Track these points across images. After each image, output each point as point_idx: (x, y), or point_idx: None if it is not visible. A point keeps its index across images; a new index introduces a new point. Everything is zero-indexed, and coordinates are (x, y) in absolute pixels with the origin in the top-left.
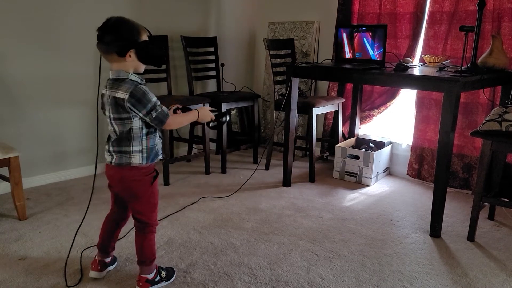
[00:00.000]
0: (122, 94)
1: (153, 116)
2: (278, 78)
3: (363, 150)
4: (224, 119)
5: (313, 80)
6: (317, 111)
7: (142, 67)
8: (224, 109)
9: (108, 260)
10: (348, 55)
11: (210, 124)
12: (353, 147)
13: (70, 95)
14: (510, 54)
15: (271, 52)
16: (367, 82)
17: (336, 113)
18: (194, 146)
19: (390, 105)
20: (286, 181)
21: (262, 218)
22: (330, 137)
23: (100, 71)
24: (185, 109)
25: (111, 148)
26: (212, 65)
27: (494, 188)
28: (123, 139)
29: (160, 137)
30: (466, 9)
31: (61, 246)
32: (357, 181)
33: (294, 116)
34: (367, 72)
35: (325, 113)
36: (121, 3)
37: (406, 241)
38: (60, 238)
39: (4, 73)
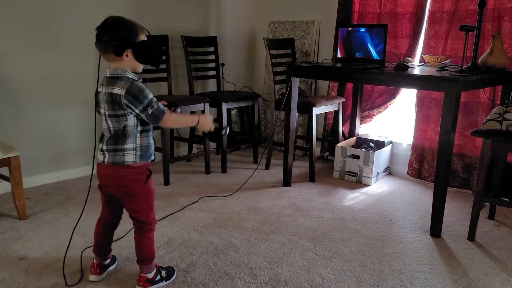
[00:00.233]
0: (118, 90)
1: (149, 113)
2: (278, 77)
3: (363, 149)
4: (223, 132)
5: (313, 80)
6: (317, 110)
7: (140, 67)
8: (224, 110)
9: (106, 262)
10: (348, 54)
11: (206, 132)
12: (353, 147)
13: (70, 95)
14: (510, 54)
15: (271, 51)
16: (367, 81)
17: (336, 112)
18: (194, 145)
19: (390, 104)
20: (286, 181)
21: (262, 217)
22: (330, 136)
23: (99, 70)
24: (171, 105)
25: (104, 147)
26: (212, 64)
27: (494, 188)
28: (119, 137)
29: (152, 138)
30: (466, 9)
31: (61, 246)
32: (357, 181)
33: (294, 116)
34: (367, 71)
35: (325, 113)
36: (121, 3)
37: (406, 240)
38: (60, 238)
39: (4, 73)
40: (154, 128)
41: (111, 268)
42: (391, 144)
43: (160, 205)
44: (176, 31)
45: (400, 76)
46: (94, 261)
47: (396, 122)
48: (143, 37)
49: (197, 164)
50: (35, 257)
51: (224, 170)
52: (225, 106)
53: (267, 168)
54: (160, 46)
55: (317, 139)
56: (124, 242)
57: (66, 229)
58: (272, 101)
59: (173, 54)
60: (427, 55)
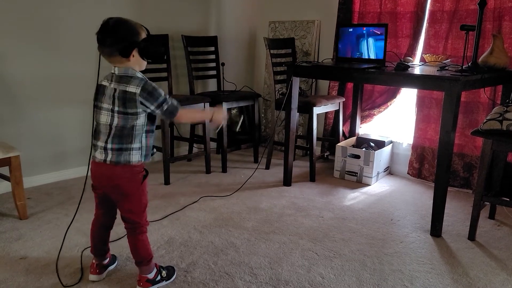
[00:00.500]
0: (133, 89)
1: (164, 109)
2: (278, 77)
3: (363, 149)
4: (237, 125)
5: (314, 80)
6: (317, 110)
7: (144, 64)
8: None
9: (105, 261)
10: (348, 54)
11: (217, 130)
12: (353, 147)
13: (70, 95)
14: (511, 53)
15: (272, 51)
16: (368, 81)
17: (336, 112)
18: (195, 145)
19: (390, 104)
20: (287, 181)
21: (263, 217)
22: (330, 136)
23: (99, 71)
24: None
25: (109, 145)
26: (213, 64)
27: (494, 187)
28: (124, 136)
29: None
30: (466, 8)
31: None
32: (357, 181)
33: (295, 116)
34: (368, 71)
35: (326, 113)
36: (122, 3)
37: (407, 240)
38: (61, 238)
39: (4, 73)
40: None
41: (111, 267)
42: (391, 144)
43: (161, 205)
44: (177, 31)
45: (401, 76)
46: (94, 261)
47: (396, 121)
48: (143, 35)
49: (198, 163)
50: (36, 256)
51: (224, 170)
52: (225, 106)
53: (267, 167)
54: (160, 42)
55: (318, 138)
56: (124, 242)
57: (66, 229)
58: (273, 100)
59: (174, 54)
60: (427, 55)
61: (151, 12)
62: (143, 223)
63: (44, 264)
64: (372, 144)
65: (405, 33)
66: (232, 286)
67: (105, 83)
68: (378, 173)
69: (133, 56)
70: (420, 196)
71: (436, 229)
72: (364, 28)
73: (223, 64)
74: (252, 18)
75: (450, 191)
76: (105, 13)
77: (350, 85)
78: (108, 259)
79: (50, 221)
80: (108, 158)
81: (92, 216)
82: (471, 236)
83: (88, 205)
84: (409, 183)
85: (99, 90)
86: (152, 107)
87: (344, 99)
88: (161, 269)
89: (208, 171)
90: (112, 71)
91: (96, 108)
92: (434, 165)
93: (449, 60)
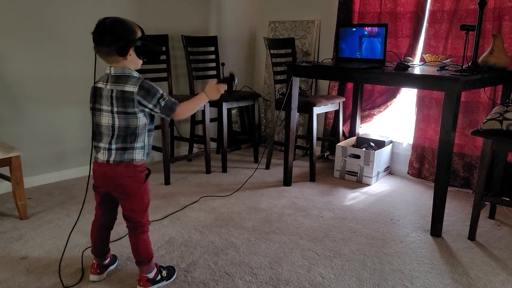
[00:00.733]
0: (131, 88)
1: (162, 105)
2: (278, 77)
3: (363, 149)
4: (234, 83)
5: (314, 79)
6: (317, 110)
7: (140, 64)
8: (224, 110)
9: (106, 262)
10: (348, 54)
11: (225, 92)
12: (353, 146)
13: (70, 95)
14: (511, 53)
15: (272, 51)
16: (368, 81)
17: (336, 112)
18: (195, 145)
19: (390, 104)
20: (287, 180)
21: (263, 217)
22: (330, 136)
23: (95, 70)
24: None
25: (112, 146)
26: (213, 64)
27: (495, 187)
28: (128, 135)
29: None
30: (466, 8)
31: (63, 245)
32: (357, 180)
33: (295, 116)
34: (368, 71)
35: (326, 112)
36: (122, 3)
37: (407, 240)
38: (62, 238)
39: (4, 73)
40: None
41: (112, 267)
42: (391, 144)
43: (161, 205)
44: (177, 31)
45: (401, 76)
46: (94, 261)
47: (396, 121)
48: (139, 34)
49: (198, 163)
50: (36, 256)
51: (224, 170)
52: (225, 106)
53: (267, 167)
54: (155, 42)
55: (318, 138)
56: (125, 242)
57: (67, 229)
58: (273, 100)
59: (174, 54)
60: (427, 55)
61: (151, 12)
62: (145, 222)
63: (45, 264)
64: (372, 144)
65: (405, 33)
66: (232, 286)
67: (100, 85)
68: (378, 173)
69: (130, 55)
70: (420, 196)
71: (436, 229)
72: (364, 28)
73: (223, 64)
74: (252, 18)
75: (450, 191)
76: (105, 13)
77: (350, 85)
78: (109, 259)
79: (51, 221)
80: (111, 158)
81: (93, 216)
82: (471, 236)
83: (89, 205)
84: (409, 183)
85: (96, 93)
86: (150, 106)
87: (344, 99)
88: (162, 269)
89: (208, 171)
90: (107, 72)
91: (95, 110)
92: (434, 165)
93: (449, 60)
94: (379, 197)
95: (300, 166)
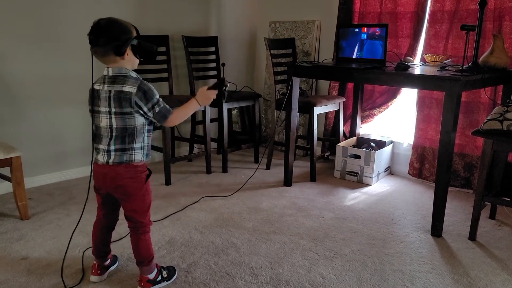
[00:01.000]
0: (129, 88)
1: (156, 111)
2: (279, 77)
3: (364, 149)
4: (225, 88)
5: (314, 80)
6: (318, 110)
7: (137, 63)
8: (224, 110)
9: (107, 262)
10: (349, 54)
11: (224, 100)
12: (354, 147)
13: (70, 95)
14: (511, 53)
15: (272, 51)
16: (368, 81)
17: (337, 112)
18: (195, 145)
19: (391, 104)
20: (287, 181)
21: (263, 217)
22: (331, 136)
23: (92, 72)
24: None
25: (111, 147)
26: (213, 64)
27: (495, 187)
28: (126, 136)
29: None
30: (467, 8)
31: (63, 246)
32: (358, 181)
33: (295, 116)
34: (368, 71)
35: (326, 113)
36: (122, 3)
37: (407, 240)
38: (62, 238)
39: (4, 73)
40: (155, 128)
41: (112, 268)
42: (392, 144)
43: (161, 205)
44: (177, 31)
45: (401, 76)
46: (95, 261)
47: (397, 121)
48: (134, 33)
49: (198, 164)
50: (37, 257)
51: (225, 170)
52: (225, 106)
53: (268, 168)
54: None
55: (318, 138)
56: (125, 242)
57: (68, 229)
58: (273, 101)
59: (174, 54)
60: (427, 55)
61: (151, 12)
62: (146, 222)
63: (46, 265)
64: (372, 144)
65: (405, 33)
66: (233, 286)
67: (98, 86)
68: (378, 173)
69: (127, 54)
70: (421, 196)
71: (436, 229)
72: (365, 28)
73: (223, 64)
74: (252, 18)
75: (450, 191)
76: (105, 14)
77: (350, 85)
78: (110, 260)
79: (52, 221)
80: (111, 160)
81: (94, 217)
82: (472, 236)
83: (90, 205)
84: (410, 183)
85: (94, 95)
86: (145, 109)
87: (344, 99)
88: (162, 270)
89: (208, 171)
90: (105, 73)
91: (94, 112)
92: (435, 165)
93: (449, 60)
94: (380, 197)
95: (300, 166)
